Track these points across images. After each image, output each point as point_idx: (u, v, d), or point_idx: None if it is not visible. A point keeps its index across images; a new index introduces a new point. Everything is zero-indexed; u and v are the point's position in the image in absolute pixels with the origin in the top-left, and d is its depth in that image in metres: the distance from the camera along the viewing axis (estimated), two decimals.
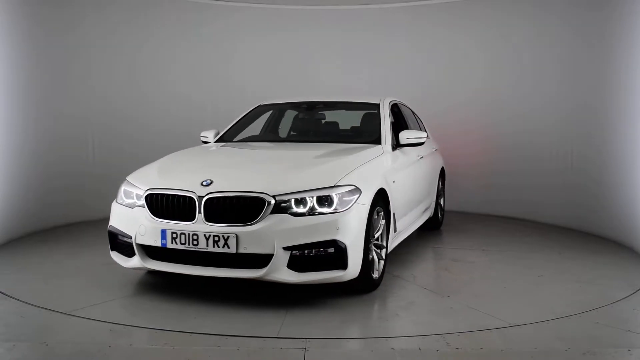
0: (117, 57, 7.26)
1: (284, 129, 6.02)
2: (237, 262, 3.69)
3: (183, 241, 3.73)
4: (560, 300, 4.07)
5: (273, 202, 3.65)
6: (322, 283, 3.78)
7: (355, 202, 3.79)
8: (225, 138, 5.47)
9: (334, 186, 3.77)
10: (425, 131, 6.48)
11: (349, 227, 3.70)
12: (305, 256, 3.64)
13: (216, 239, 3.65)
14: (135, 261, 3.95)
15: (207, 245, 3.68)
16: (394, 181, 4.52)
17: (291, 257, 3.62)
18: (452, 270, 4.90)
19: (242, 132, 5.67)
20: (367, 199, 3.89)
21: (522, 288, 4.38)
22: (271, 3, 7.98)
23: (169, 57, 7.66)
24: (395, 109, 5.71)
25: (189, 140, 6.28)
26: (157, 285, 4.26)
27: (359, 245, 3.78)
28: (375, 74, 8.10)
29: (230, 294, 4.07)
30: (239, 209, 3.68)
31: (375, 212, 4.06)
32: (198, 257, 3.76)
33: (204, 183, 3.80)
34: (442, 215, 6.83)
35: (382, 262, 4.27)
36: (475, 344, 3.25)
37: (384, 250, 4.30)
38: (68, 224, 6.62)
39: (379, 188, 4.11)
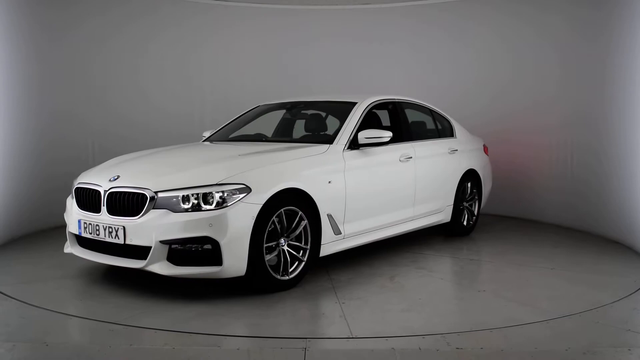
0: (117, 59, 7.27)
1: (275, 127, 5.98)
2: (129, 252, 3.95)
3: (90, 231, 4.13)
4: (439, 319, 3.66)
5: (155, 197, 3.85)
6: (201, 278, 3.91)
7: (239, 200, 3.82)
8: (214, 137, 5.67)
9: (216, 184, 3.84)
10: (452, 131, 6.25)
11: (226, 225, 3.76)
12: (185, 251, 3.80)
13: (110, 230, 3.98)
14: (69, 248, 4.42)
15: (105, 236, 4.01)
16: (329, 182, 4.44)
17: (170, 250, 3.80)
18: (397, 279, 4.59)
19: (240, 131, 5.71)
20: (259, 198, 3.90)
21: (434, 303, 4.00)
22: (271, 3, 7.98)
23: (169, 59, 7.66)
24: (391, 107, 5.65)
25: (190, 141, 6.29)
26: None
27: (240, 244, 3.81)
28: (375, 73, 8.09)
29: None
30: (129, 203, 3.95)
31: (282, 213, 4.06)
32: (103, 246, 4.11)
33: (111, 178, 4.14)
34: (474, 220, 6.42)
35: (301, 263, 4.25)
36: (475, 344, 3.25)
37: (307, 252, 4.27)
38: None
39: (285, 188, 4.07)
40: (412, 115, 5.96)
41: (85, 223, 4.17)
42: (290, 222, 4.19)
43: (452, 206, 6.00)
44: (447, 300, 4.16)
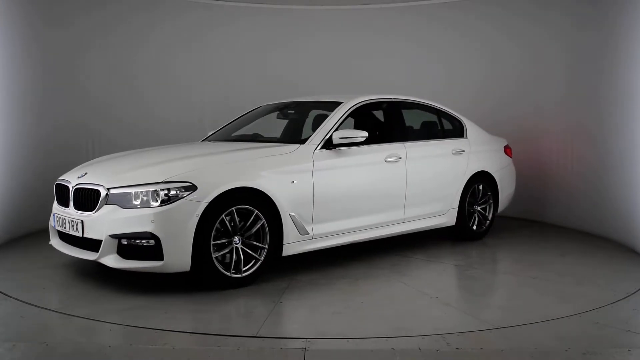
0: (115, 61, 7.26)
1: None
2: (87, 245, 4.17)
3: (60, 224, 4.43)
4: (359, 323, 3.61)
5: (108, 194, 4.07)
6: (146, 272, 4.09)
7: (183, 198, 3.95)
8: (213, 137, 5.75)
9: (162, 182, 3.98)
10: (462, 131, 6.02)
11: (168, 222, 3.90)
12: (132, 245, 3.98)
13: (72, 223, 4.25)
14: (51, 240, 4.68)
15: (69, 229, 4.30)
16: (293, 182, 4.45)
17: (120, 244, 4.00)
18: (360, 282, 4.49)
19: (241, 130, 5.71)
20: (205, 196, 3.99)
21: (371, 308, 3.89)
22: (271, 3, 7.97)
23: (167, 61, 7.64)
24: (385, 107, 5.54)
25: (192, 138, 6.29)
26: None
27: (183, 240, 3.92)
28: (375, 73, 8.07)
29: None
30: (88, 198, 4.19)
31: (234, 211, 4.12)
32: (71, 238, 4.37)
33: (79, 175, 4.40)
34: (487, 225, 6.12)
35: (257, 262, 4.27)
36: (475, 344, 3.25)
37: (264, 251, 4.29)
38: None
39: (237, 187, 4.13)
40: (415, 116, 5.88)
41: (57, 216, 4.49)
42: (247, 220, 4.22)
43: (456, 209, 5.78)
44: (388, 306, 3.97)
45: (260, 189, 4.25)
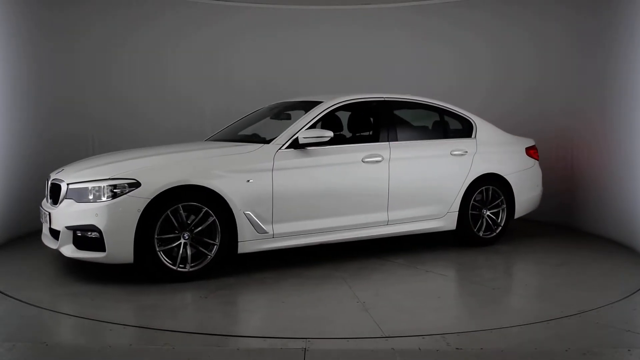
0: (118, 55, 7.28)
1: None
2: (55, 235, 4.44)
3: (41, 217, 4.67)
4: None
5: (66, 188, 4.34)
6: (93, 262, 4.32)
7: (125, 194, 4.16)
8: (215, 136, 5.81)
9: (108, 179, 4.23)
10: (470, 131, 5.76)
11: (109, 216, 4.13)
12: (84, 237, 4.24)
13: (45, 216, 4.54)
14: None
15: (43, 221, 4.60)
16: (248, 180, 4.49)
17: (74, 236, 4.27)
18: (308, 282, 4.41)
19: (245, 130, 5.69)
20: (148, 192, 4.18)
21: (287, 309, 3.87)
22: (271, 3, 7.96)
23: (170, 56, 7.65)
24: (375, 106, 5.40)
25: (191, 138, 6.29)
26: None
27: (124, 234, 4.14)
28: (375, 72, 8.06)
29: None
30: (55, 192, 4.48)
31: (180, 208, 4.27)
32: (50, 230, 4.57)
33: (56, 171, 4.70)
34: (497, 230, 5.74)
35: (207, 257, 4.38)
36: (475, 344, 3.25)
37: (215, 247, 4.39)
38: None
39: (185, 184, 4.26)
40: (415, 115, 5.80)
41: (40, 210, 4.72)
42: (197, 217, 4.36)
43: (456, 213, 5.50)
44: (306, 308, 3.89)
45: (209, 187, 4.34)
